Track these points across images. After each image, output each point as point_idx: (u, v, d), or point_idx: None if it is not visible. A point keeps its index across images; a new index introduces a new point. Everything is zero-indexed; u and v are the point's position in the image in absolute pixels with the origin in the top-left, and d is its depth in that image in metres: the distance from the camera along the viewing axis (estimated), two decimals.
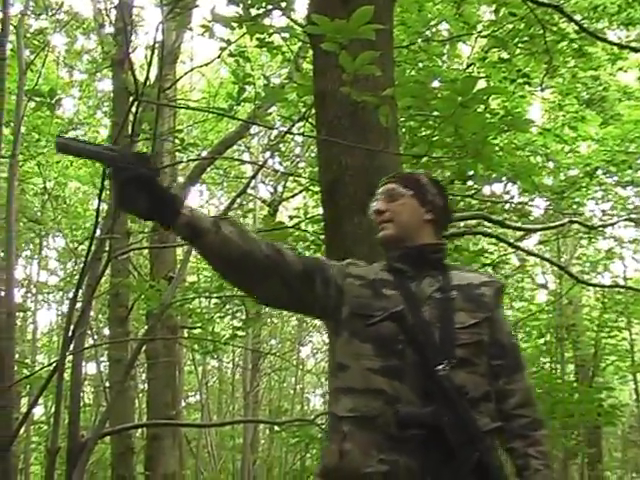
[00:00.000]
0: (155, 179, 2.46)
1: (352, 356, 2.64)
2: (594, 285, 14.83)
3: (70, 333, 6.15)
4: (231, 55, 7.09)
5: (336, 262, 2.87)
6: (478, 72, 9.66)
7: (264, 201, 15.69)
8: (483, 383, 2.64)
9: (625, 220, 12.79)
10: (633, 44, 10.47)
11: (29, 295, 19.86)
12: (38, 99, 5.44)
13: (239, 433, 17.03)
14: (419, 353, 2.54)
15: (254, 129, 12.89)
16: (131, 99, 5.62)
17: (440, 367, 2.52)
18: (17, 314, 13.18)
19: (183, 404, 17.40)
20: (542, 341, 18.45)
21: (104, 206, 8.23)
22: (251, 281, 2.69)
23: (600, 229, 12.70)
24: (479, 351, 2.66)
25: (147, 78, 5.96)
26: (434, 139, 5.36)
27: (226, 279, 2.84)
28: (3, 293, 7.56)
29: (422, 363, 2.53)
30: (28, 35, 11.64)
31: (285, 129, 8.35)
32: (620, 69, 12.13)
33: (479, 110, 6.38)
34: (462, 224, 9.93)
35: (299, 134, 7.90)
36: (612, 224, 12.91)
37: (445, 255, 2.88)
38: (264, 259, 2.62)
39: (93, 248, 6.01)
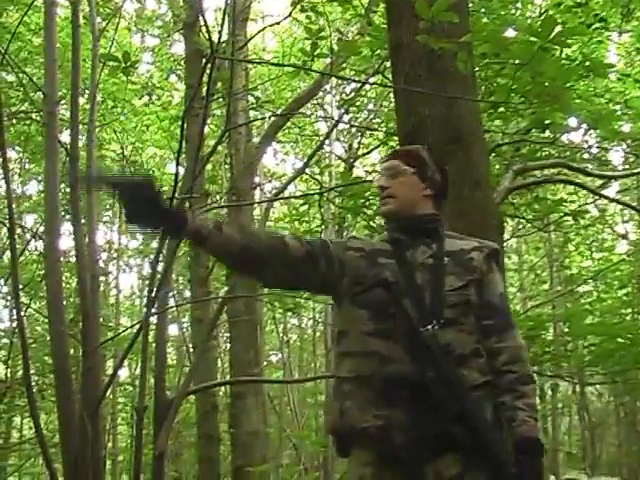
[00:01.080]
0: (158, 198, 2.69)
1: (351, 322, 2.91)
2: None
3: (153, 294, 6.25)
4: (302, 10, 7.04)
5: (337, 239, 3.25)
6: (555, 19, 9.44)
7: (340, 158, 15.66)
8: (471, 340, 2.84)
9: None
10: None
11: (111, 260, 20.19)
12: (113, 63, 5.49)
13: (321, 390, 17.15)
14: (403, 316, 2.78)
15: (328, 86, 12.82)
16: (205, 59, 5.63)
17: (428, 327, 2.77)
18: (100, 277, 13.43)
19: (265, 363, 17.57)
20: (624, 292, 18.17)
21: (182, 169, 8.31)
22: (254, 269, 2.97)
23: None
24: (467, 311, 2.87)
25: (220, 38, 5.96)
26: (512, 87, 5.25)
27: (234, 271, 3.38)
28: (87, 257, 7.69)
29: (409, 325, 2.77)
30: (99, 2, 11.72)
31: (360, 82, 8.29)
32: None
33: (557, 55, 6.27)
34: (542, 172, 9.79)
35: (376, 84, 7.82)
36: None
37: (440, 225, 3.07)
38: (264, 249, 2.88)
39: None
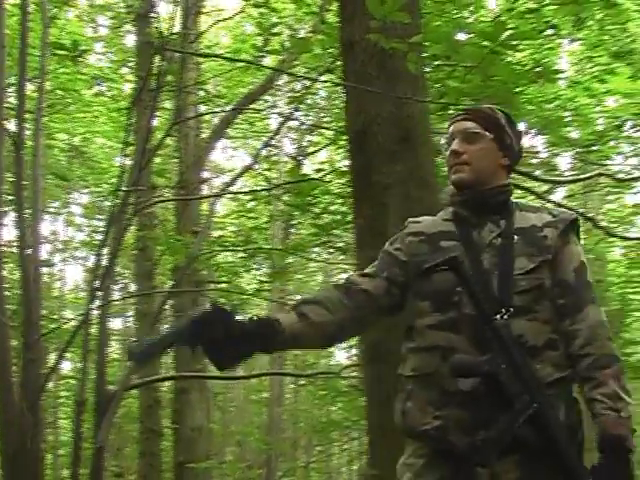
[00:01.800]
0: (234, 323, 2.40)
1: (415, 316, 2.62)
2: (623, 237, 14.67)
3: (96, 286, 6.19)
4: (255, 6, 7.02)
5: (395, 236, 2.83)
6: (506, 23, 9.52)
7: (289, 155, 15.64)
8: (545, 330, 2.51)
9: None
10: None
11: (56, 251, 19.97)
12: (61, 52, 5.42)
13: (265, 387, 17.15)
14: (474, 302, 2.47)
15: (279, 82, 12.80)
16: (155, 50, 5.59)
17: (497, 316, 2.45)
18: (43, 269, 13.26)
19: None
20: None
21: (128, 161, 8.22)
22: (358, 332, 2.96)
23: (628, 183, 12.56)
24: (540, 297, 2.55)
25: (171, 30, 5.92)
26: (462, 89, 5.27)
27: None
28: (30, 248, 7.59)
29: (478, 313, 2.47)
30: None
31: (311, 80, 8.29)
32: None
33: (508, 59, 6.31)
34: None
35: (327, 81, 7.83)
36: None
37: (509, 196, 2.74)
38: (355, 313, 2.65)
39: (118, 201, 6.02)
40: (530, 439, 2.39)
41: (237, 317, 2.41)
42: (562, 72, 7.65)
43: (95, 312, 7.58)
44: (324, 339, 2.68)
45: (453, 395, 2.46)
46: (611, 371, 2.50)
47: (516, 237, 2.60)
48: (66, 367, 20.05)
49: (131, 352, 2.41)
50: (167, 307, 10.79)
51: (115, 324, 19.46)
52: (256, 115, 14.73)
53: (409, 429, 2.56)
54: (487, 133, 2.69)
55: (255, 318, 2.48)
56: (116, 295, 13.62)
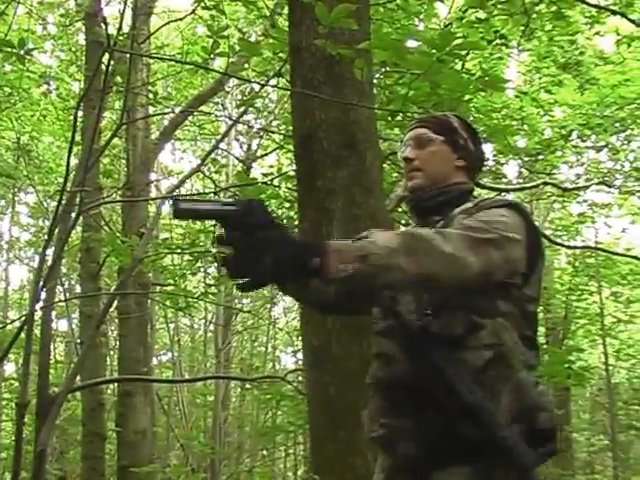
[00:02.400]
0: (291, 235, 2.14)
1: (372, 324, 2.62)
2: (567, 246, 14.87)
3: (40, 287, 6.11)
4: (205, 8, 7.01)
5: None
6: (455, 32, 9.60)
7: (238, 158, 15.61)
8: (460, 315, 2.39)
9: (598, 184, 12.85)
10: (611, 7, 10.41)
11: (0, 251, 19.71)
12: (8, 49, 5.34)
13: (210, 391, 17.06)
14: (392, 310, 2.46)
15: (229, 85, 12.78)
16: (103, 50, 5.54)
17: (419, 319, 2.42)
18: None
19: (155, 362, 17.40)
20: None
21: (75, 160, 8.15)
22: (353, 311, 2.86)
23: (573, 192, 12.74)
24: None
25: (120, 29, 5.87)
26: (409, 95, 5.31)
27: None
28: None
29: (400, 320, 2.45)
30: None
31: (259, 84, 8.30)
32: (597, 33, 12.08)
33: (455, 68, 6.37)
34: None
35: (274, 86, 7.84)
36: (585, 187, 12.97)
37: (455, 196, 2.64)
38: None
39: (63, 202, 5.96)
40: (472, 436, 2.30)
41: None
42: (509, 81, 7.72)
43: (39, 313, 7.50)
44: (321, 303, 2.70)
45: (395, 404, 2.45)
46: None
47: None
48: (9, 369, 19.82)
49: (176, 202, 2.09)
50: (112, 309, 10.72)
51: (59, 326, 19.26)
52: (205, 117, 14.69)
53: (366, 438, 2.55)
54: (438, 136, 2.68)
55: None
56: (61, 296, 13.47)
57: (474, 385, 2.31)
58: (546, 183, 11.34)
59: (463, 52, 5.40)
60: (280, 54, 7.95)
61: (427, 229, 2.35)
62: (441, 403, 2.33)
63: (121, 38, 7.12)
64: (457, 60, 5.19)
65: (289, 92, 5.63)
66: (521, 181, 12.72)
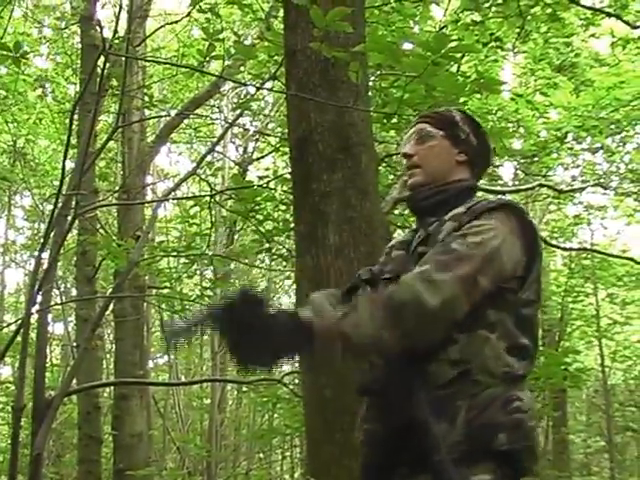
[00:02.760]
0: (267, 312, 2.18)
1: None
2: (563, 248, 14.89)
3: (35, 290, 6.11)
4: (201, 11, 7.02)
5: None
6: (450, 35, 9.61)
7: (234, 161, 15.61)
8: None
9: (594, 186, 12.87)
10: (606, 9, 10.43)
11: None
12: (3, 52, 5.34)
13: (207, 394, 17.04)
14: None
15: (224, 88, 12.78)
16: (98, 53, 5.55)
17: None
18: None
19: (151, 365, 17.39)
20: None
21: (70, 163, 8.14)
22: None
23: (569, 194, 12.76)
24: None
25: (115, 32, 5.87)
26: (404, 98, 5.31)
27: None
28: None
29: None
30: None
31: (256, 87, 8.30)
32: (592, 35, 12.12)
33: (451, 70, 6.38)
34: None
35: (269, 89, 7.86)
36: (581, 189, 12.99)
37: (454, 194, 2.55)
38: None
39: (59, 205, 5.96)
40: (415, 451, 2.25)
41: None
42: (505, 84, 7.74)
43: (35, 316, 7.49)
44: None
45: (370, 409, 2.43)
46: None
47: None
48: (5, 373, 19.78)
49: (166, 335, 2.23)
50: (108, 312, 10.71)
51: (56, 329, 19.23)
52: (201, 120, 14.70)
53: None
54: (438, 131, 2.61)
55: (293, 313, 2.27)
56: (57, 299, 13.46)
57: (427, 400, 2.25)
58: (542, 185, 11.37)
59: (458, 55, 5.40)
60: (275, 57, 7.96)
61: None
62: (394, 412, 2.31)
63: (117, 41, 7.12)
64: (452, 63, 5.18)
65: (285, 95, 5.63)
66: (517, 183, 12.74)
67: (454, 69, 7.77)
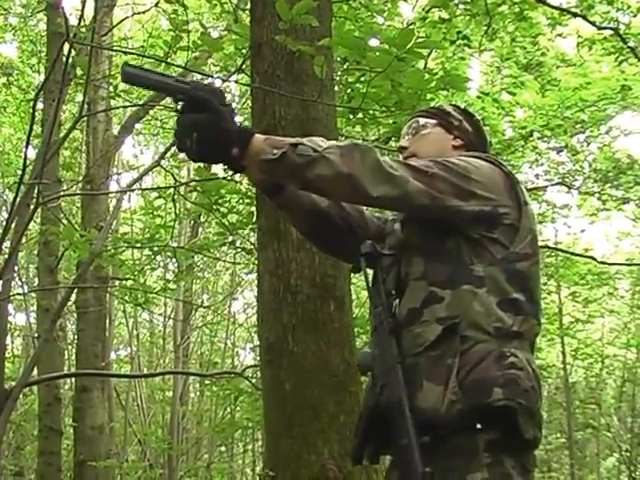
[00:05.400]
0: (232, 115, 2.24)
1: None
2: None
3: None
4: (168, 2, 6.97)
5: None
6: (418, 32, 9.64)
7: None
8: (421, 287, 2.34)
9: (558, 184, 12.97)
10: (573, 10, 10.50)
11: None
12: None
13: (169, 386, 16.99)
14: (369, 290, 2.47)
15: (191, 78, 12.70)
16: (62, 40, 5.50)
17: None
18: None
19: (113, 356, 17.29)
20: None
21: (34, 152, 8.07)
22: (331, 235, 2.63)
23: (533, 192, 12.83)
24: (412, 257, 2.42)
25: (81, 20, 5.82)
26: (370, 93, 5.33)
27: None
28: None
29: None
30: None
31: (222, 79, 8.27)
32: (559, 35, 12.20)
33: (417, 67, 6.39)
34: None
35: (236, 82, 7.83)
36: (545, 187, 13.08)
37: None
38: (344, 214, 2.60)
39: (21, 194, 5.90)
40: (384, 431, 2.24)
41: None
42: (469, 80, 7.77)
43: None
44: (307, 213, 2.56)
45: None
46: None
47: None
48: None
49: (127, 65, 2.27)
50: (70, 303, 10.64)
51: (17, 319, 19.07)
52: (167, 112, 14.62)
53: None
54: (431, 120, 2.67)
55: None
56: (18, 289, 13.35)
57: (410, 367, 2.24)
58: None
59: (424, 51, 5.42)
60: (242, 50, 7.94)
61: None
62: (377, 389, 2.30)
63: (83, 30, 7.05)
64: (418, 59, 5.20)
65: (250, 88, 5.62)
66: None
67: (421, 66, 7.78)
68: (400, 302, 2.37)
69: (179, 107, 2.23)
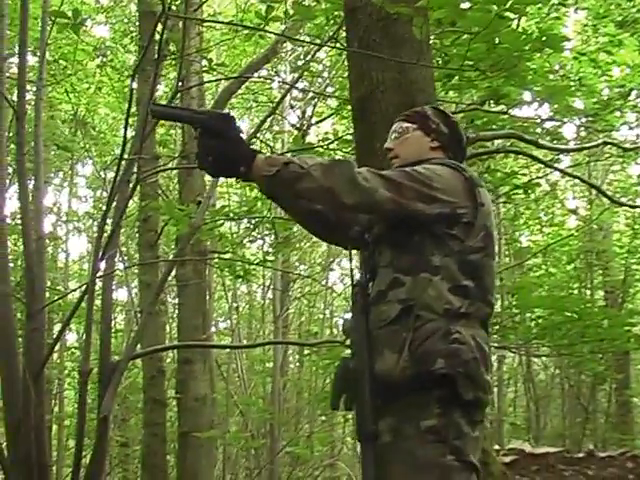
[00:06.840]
0: (240, 137, 2.76)
1: None
2: (629, 205, 14.57)
3: (99, 257, 6.16)
4: None
5: None
6: None
7: (293, 125, 15.54)
8: (388, 273, 2.86)
9: None
10: None
11: (60, 223, 19.91)
12: (62, 20, 5.35)
13: (269, 357, 17.14)
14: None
15: (283, 51, 12.70)
16: (158, 15, 5.53)
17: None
18: (47, 240, 13.21)
19: (213, 329, 17.51)
20: (572, 267, 18.36)
21: (131, 132, 8.17)
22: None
23: (634, 151, 12.49)
24: (381, 246, 2.95)
25: None
26: (466, 55, 5.22)
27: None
28: (32, 217, 7.53)
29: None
30: None
31: (315, 44, 8.22)
32: None
33: (513, 28, 6.25)
34: (495, 143, 9.79)
35: (332, 47, 7.78)
36: None
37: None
38: None
39: (121, 171, 5.98)
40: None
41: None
42: (568, 39, 7.57)
43: (99, 283, 7.56)
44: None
45: None
46: None
47: None
48: (72, 339, 20.11)
49: (153, 105, 2.90)
50: (171, 277, 10.79)
51: (119, 295, 19.48)
52: (259, 85, 14.66)
53: None
54: (411, 125, 3.13)
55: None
56: (120, 265, 13.61)
57: (377, 338, 2.79)
58: (606, 143, 11.14)
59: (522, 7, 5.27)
60: (333, 19, 7.88)
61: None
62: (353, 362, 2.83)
63: (174, 7, 7.09)
64: (516, 16, 5.08)
65: (344, 57, 5.57)
66: (579, 142, 12.50)
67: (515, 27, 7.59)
68: (373, 284, 2.91)
69: (197, 134, 2.75)
